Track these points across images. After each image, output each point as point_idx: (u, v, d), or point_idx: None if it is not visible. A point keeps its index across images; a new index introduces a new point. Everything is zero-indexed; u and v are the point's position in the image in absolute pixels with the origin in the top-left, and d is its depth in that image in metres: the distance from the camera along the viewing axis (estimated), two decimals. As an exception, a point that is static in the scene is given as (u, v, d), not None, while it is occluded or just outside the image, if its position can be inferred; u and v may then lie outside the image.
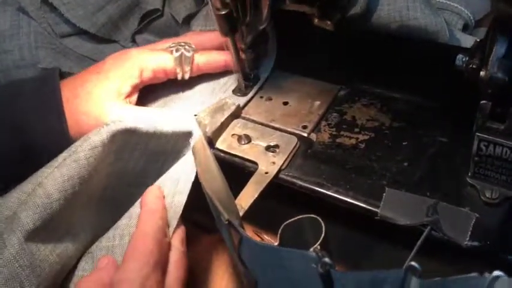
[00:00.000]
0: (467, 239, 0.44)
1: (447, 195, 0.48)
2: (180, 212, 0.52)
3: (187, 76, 0.61)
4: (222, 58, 0.62)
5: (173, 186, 0.54)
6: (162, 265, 0.48)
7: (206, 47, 0.63)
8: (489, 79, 0.42)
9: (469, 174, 0.48)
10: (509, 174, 0.46)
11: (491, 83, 0.42)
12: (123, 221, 0.54)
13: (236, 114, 0.59)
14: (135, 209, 0.54)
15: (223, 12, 0.53)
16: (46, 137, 0.56)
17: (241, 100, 0.61)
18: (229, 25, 0.54)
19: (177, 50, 0.60)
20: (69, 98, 0.57)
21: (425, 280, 0.34)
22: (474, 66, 0.43)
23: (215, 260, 0.59)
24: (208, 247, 0.60)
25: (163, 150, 0.56)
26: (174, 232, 0.52)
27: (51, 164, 0.50)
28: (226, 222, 0.42)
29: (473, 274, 0.34)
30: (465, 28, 0.71)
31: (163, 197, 0.53)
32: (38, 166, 0.52)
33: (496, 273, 0.33)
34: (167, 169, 0.56)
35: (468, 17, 0.71)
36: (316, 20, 0.52)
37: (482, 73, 0.42)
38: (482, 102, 0.44)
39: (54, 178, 0.48)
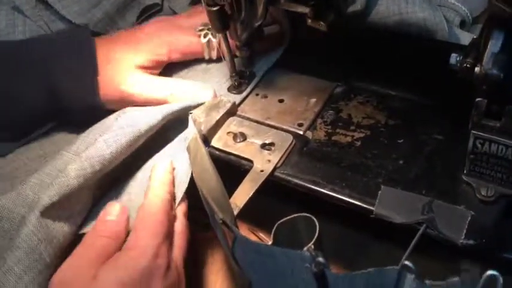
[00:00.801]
0: (463, 237, 0.44)
1: (443, 193, 0.48)
2: (186, 186, 0.52)
3: (214, 57, 0.65)
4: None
5: (181, 161, 0.54)
6: (170, 236, 0.49)
7: None
8: (484, 75, 0.41)
9: (465, 172, 0.48)
10: (505, 172, 0.46)
11: (486, 80, 0.41)
12: (135, 189, 0.55)
13: (231, 111, 0.59)
14: (144, 180, 0.54)
15: (214, 9, 0.53)
16: (79, 100, 0.60)
17: (237, 98, 0.61)
18: (221, 22, 0.54)
19: (205, 36, 0.63)
20: (102, 62, 0.60)
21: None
22: (468, 65, 0.43)
23: (210, 257, 0.59)
24: (203, 244, 0.60)
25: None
26: (178, 205, 0.53)
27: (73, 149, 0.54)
28: (220, 221, 0.41)
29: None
30: (462, 25, 0.71)
31: (173, 170, 0.54)
32: (67, 123, 0.62)
33: (490, 272, 0.33)
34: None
35: (465, 13, 0.71)
36: (309, 21, 0.51)
37: (477, 69, 0.42)
38: (477, 99, 0.44)
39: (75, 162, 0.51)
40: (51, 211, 0.49)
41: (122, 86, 0.60)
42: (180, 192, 0.53)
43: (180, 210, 0.53)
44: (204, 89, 0.60)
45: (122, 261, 0.45)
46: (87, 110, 0.60)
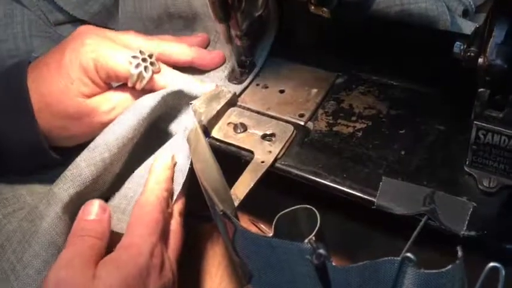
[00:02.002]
0: (465, 228, 0.44)
1: (444, 184, 0.48)
2: (182, 183, 0.52)
3: (139, 89, 0.57)
4: (185, 86, 0.58)
5: (181, 156, 0.54)
6: (165, 234, 0.49)
7: (172, 59, 0.60)
8: (487, 66, 0.41)
9: (467, 162, 0.48)
10: (507, 162, 0.45)
11: (489, 70, 0.41)
12: (135, 185, 0.54)
13: (232, 102, 0.59)
14: (144, 174, 0.54)
15: (216, -1, 0.52)
16: (18, 140, 0.55)
17: (237, 88, 0.60)
18: (223, 12, 0.53)
19: (137, 66, 0.55)
20: (41, 108, 0.54)
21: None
22: (472, 54, 0.42)
23: (210, 249, 0.59)
24: (203, 236, 0.60)
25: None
26: (174, 203, 0.52)
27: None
28: (221, 213, 0.41)
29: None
30: (465, 14, 0.70)
31: (174, 166, 0.54)
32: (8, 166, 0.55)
33: (492, 264, 0.33)
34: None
35: (468, 2, 0.70)
36: (312, 7, 0.51)
37: (480, 60, 0.41)
38: (480, 90, 0.43)
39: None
40: (68, 206, 0.50)
41: (94, 119, 0.55)
42: (176, 190, 0.52)
43: (176, 208, 0.52)
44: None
45: (122, 259, 0.45)
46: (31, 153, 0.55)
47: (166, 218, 0.50)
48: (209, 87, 0.58)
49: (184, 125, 0.56)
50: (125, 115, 0.54)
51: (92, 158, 0.51)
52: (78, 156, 0.51)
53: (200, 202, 0.49)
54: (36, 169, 0.58)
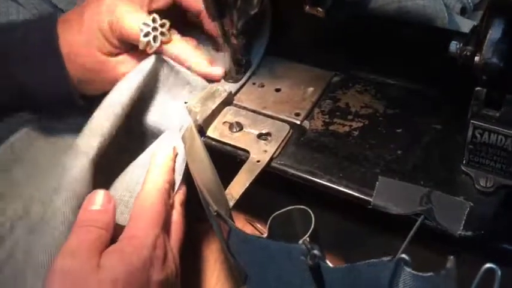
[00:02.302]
0: (461, 228, 0.44)
1: (441, 184, 0.47)
2: (182, 174, 0.53)
3: (149, 52, 0.58)
4: (189, 63, 0.59)
5: (181, 147, 0.54)
6: (167, 225, 0.49)
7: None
8: (484, 65, 0.40)
9: (464, 162, 0.48)
10: (504, 162, 0.45)
11: (486, 69, 0.40)
12: (136, 173, 0.54)
13: (228, 101, 0.58)
14: (146, 164, 0.54)
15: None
16: (49, 85, 0.58)
17: (233, 87, 0.60)
18: (217, 9, 0.53)
19: (146, 34, 0.56)
20: (70, 56, 0.57)
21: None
22: (468, 53, 0.42)
23: (207, 249, 0.59)
24: (200, 236, 0.59)
25: None
26: (175, 194, 0.52)
27: None
28: (215, 213, 0.41)
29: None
30: (463, 12, 0.70)
31: (175, 156, 0.54)
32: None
33: (488, 265, 0.33)
34: None
35: (466, 0, 0.70)
36: (307, 7, 0.51)
37: (476, 58, 0.41)
38: (477, 89, 0.43)
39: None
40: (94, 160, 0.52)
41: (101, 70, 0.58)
42: (177, 181, 0.53)
43: (177, 199, 0.52)
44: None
45: (126, 251, 0.45)
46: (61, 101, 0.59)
47: (168, 209, 0.50)
48: (217, 71, 0.59)
49: (180, 123, 0.56)
50: (118, 87, 0.56)
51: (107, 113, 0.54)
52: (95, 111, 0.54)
53: (197, 201, 0.49)
54: (64, 115, 0.61)
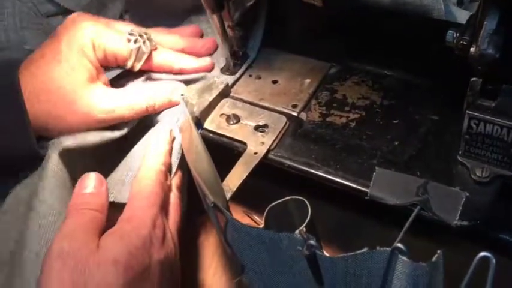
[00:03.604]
0: (457, 218, 0.44)
1: (437, 174, 0.48)
2: (179, 158, 0.53)
3: (136, 69, 0.58)
4: (178, 67, 0.60)
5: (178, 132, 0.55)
6: (165, 206, 0.50)
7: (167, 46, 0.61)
8: (479, 56, 0.40)
9: (460, 152, 0.48)
10: (500, 152, 0.45)
11: (481, 60, 0.41)
12: (134, 156, 0.55)
13: (225, 93, 0.58)
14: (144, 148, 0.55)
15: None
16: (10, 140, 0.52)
17: (230, 79, 0.60)
18: (215, 2, 0.53)
19: (135, 42, 0.56)
20: (40, 96, 0.53)
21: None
22: (465, 43, 0.42)
23: (204, 241, 0.59)
24: (197, 228, 0.60)
25: None
26: (172, 177, 0.53)
27: None
28: (212, 205, 0.41)
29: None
30: (460, 2, 0.70)
31: (173, 140, 0.54)
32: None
33: (483, 254, 0.33)
34: None
35: (463, -10, 0.70)
36: (304, -3, 0.51)
37: (472, 49, 0.41)
38: (472, 79, 0.43)
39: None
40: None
41: (89, 115, 0.54)
42: (174, 165, 0.53)
43: (174, 183, 0.53)
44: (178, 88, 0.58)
45: (125, 231, 0.45)
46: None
47: (166, 190, 0.51)
48: (204, 62, 0.60)
49: (176, 116, 0.56)
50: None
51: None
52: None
53: (194, 193, 0.49)
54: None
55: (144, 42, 0.56)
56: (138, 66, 0.58)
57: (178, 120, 0.55)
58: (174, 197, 0.52)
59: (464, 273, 0.35)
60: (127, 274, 0.42)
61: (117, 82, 0.59)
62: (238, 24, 0.58)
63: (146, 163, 0.51)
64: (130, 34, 0.56)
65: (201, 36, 0.66)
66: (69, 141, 0.53)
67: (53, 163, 0.51)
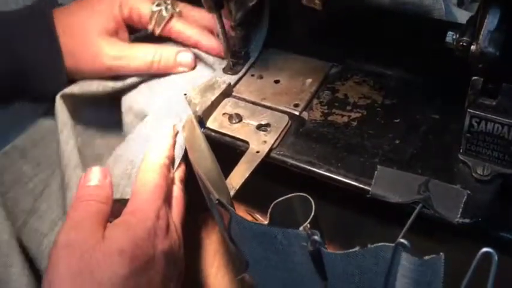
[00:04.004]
0: (459, 216, 0.44)
1: (439, 173, 0.48)
2: (183, 151, 0.54)
3: (156, 33, 0.62)
4: (195, 39, 0.62)
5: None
6: (168, 199, 0.51)
7: (191, 20, 0.63)
8: (480, 54, 0.41)
9: (461, 151, 0.48)
10: (501, 150, 0.46)
11: (482, 58, 0.41)
12: (136, 149, 0.56)
13: (227, 92, 0.59)
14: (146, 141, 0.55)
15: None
16: (42, 67, 0.59)
17: (232, 78, 0.60)
18: (215, 0, 0.53)
19: (158, 5, 0.60)
20: (65, 31, 0.59)
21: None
22: (465, 44, 0.42)
23: (207, 239, 0.59)
24: (200, 226, 0.60)
25: None
26: (176, 170, 0.54)
27: None
28: (216, 201, 0.41)
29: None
30: (460, 3, 0.70)
31: (176, 134, 0.55)
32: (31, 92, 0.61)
33: (485, 249, 0.33)
34: None
35: (463, -9, 0.70)
36: (304, 0, 0.51)
37: (473, 47, 0.41)
38: (473, 78, 0.44)
39: None
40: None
41: (100, 55, 0.59)
42: (178, 158, 0.54)
43: (177, 176, 0.54)
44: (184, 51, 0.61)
45: (131, 223, 0.46)
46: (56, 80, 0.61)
47: (169, 184, 0.51)
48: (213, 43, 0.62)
49: (179, 116, 0.56)
50: None
51: None
52: None
53: (196, 191, 0.50)
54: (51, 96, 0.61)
55: (166, 8, 0.60)
56: (158, 31, 0.61)
57: (181, 120, 0.55)
58: (177, 189, 0.53)
59: (465, 271, 0.35)
60: (132, 264, 0.43)
61: None
62: (240, 24, 0.58)
63: (150, 156, 0.52)
64: None
65: None
66: (75, 88, 0.59)
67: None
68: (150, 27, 0.61)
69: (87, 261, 0.42)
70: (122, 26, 0.62)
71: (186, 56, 0.61)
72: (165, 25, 0.61)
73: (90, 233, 0.44)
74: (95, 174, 0.50)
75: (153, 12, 0.60)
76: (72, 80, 0.62)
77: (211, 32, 0.62)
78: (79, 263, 0.42)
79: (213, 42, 0.61)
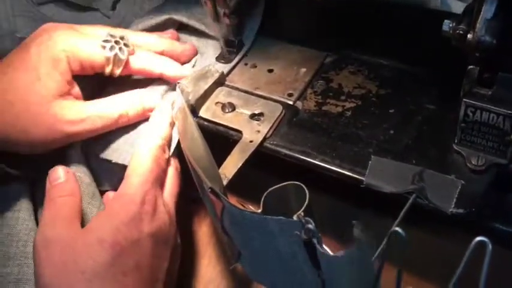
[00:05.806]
0: (453, 206, 0.44)
1: (433, 163, 0.48)
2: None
3: (116, 75, 0.55)
4: (158, 70, 0.57)
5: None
6: (160, 180, 0.51)
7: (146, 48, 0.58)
8: (477, 42, 0.40)
9: (456, 141, 0.48)
10: (496, 140, 0.45)
11: (478, 47, 0.41)
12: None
13: (220, 81, 0.58)
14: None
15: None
16: None
17: (225, 67, 0.60)
18: (209, -12, 0.53)
19: (111, 48, 0.53)
20: (2, 108, 0.49)
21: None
22: (461, 32, 0.42)
23: (198, 230, 0.59)
24: (192, 217, 0.59)
25: None
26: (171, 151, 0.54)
27: None
28: (209, 190, 0.41)
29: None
30: (455, -7, 0.70)
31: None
32: None
33: (479, 238, 0.33)
34: None
35: (458, -18, 0.70)
36: (299, -12, 0.50)
37: (469, 36, 0.41)
38: (469, 67, 0.43)
39: None
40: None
41: (54, 127, 0.50)
42: (175, 138, 0.53)
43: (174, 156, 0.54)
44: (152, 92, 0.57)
45: (113, 208, 0.47)
46: None
47: (162, 165, 0.51)
48: (185, 72, 0.58)
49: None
50: None
51: None
52: None
53: (189, 182, 0.49)
54: None
55: (120, 49, 0.54)
56: (117, 72, 0.55)
57: (174, 109, 0.54)
58: (172, 169, 0.53)
59: (459, 262, 0.35)
60: (114, 250, 0.44)
61: (104, 90, 0.58)
62: (234, 12, 0.57)
63: (145, 138, 0.52)
64: (105, 41, 0.53)
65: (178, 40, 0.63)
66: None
67: None
68: (108, 70, 0.54)
69: (69, 253, 0.44)
70: (72, 82, 0.53)
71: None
72: (125, 65, 0.55)
73: (64, 227, 0.45)
74: (59, 173, 0.50)
75: (107, 58, 0.53)
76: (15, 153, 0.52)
77: (169, 56, 0.59)
78: (61, 257, 0.43)
79: (176, 70, 0.57)
